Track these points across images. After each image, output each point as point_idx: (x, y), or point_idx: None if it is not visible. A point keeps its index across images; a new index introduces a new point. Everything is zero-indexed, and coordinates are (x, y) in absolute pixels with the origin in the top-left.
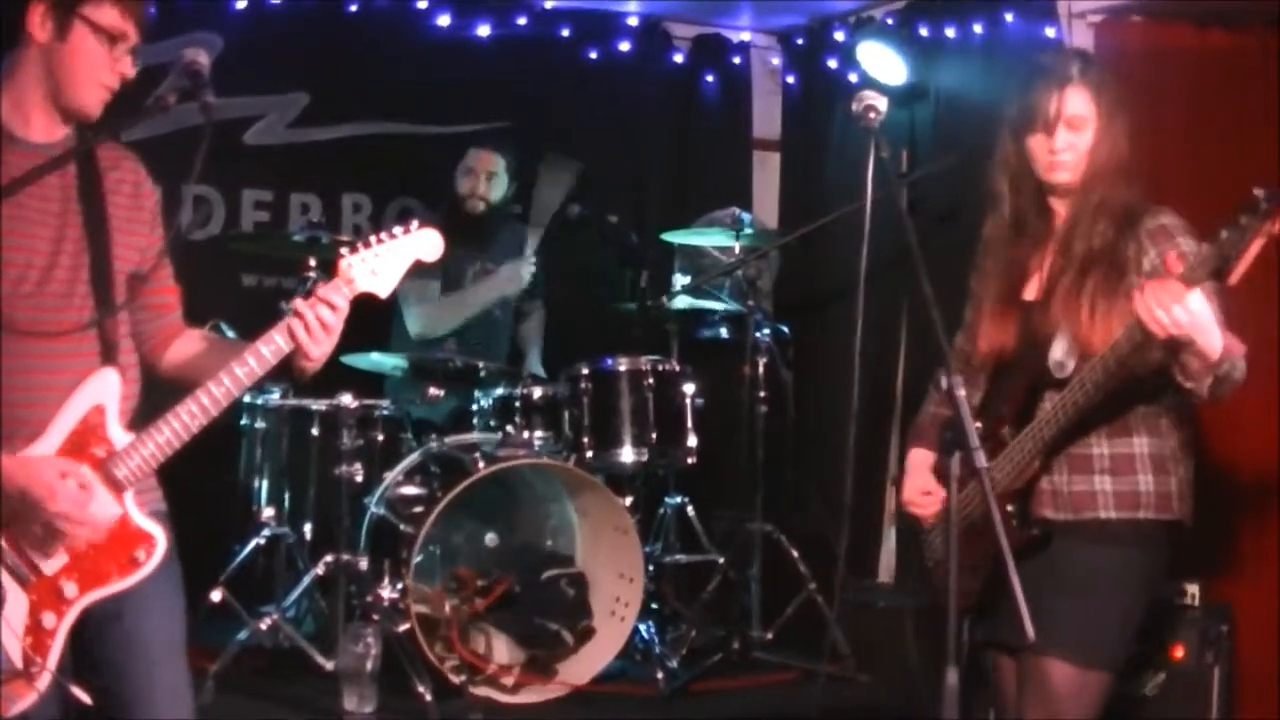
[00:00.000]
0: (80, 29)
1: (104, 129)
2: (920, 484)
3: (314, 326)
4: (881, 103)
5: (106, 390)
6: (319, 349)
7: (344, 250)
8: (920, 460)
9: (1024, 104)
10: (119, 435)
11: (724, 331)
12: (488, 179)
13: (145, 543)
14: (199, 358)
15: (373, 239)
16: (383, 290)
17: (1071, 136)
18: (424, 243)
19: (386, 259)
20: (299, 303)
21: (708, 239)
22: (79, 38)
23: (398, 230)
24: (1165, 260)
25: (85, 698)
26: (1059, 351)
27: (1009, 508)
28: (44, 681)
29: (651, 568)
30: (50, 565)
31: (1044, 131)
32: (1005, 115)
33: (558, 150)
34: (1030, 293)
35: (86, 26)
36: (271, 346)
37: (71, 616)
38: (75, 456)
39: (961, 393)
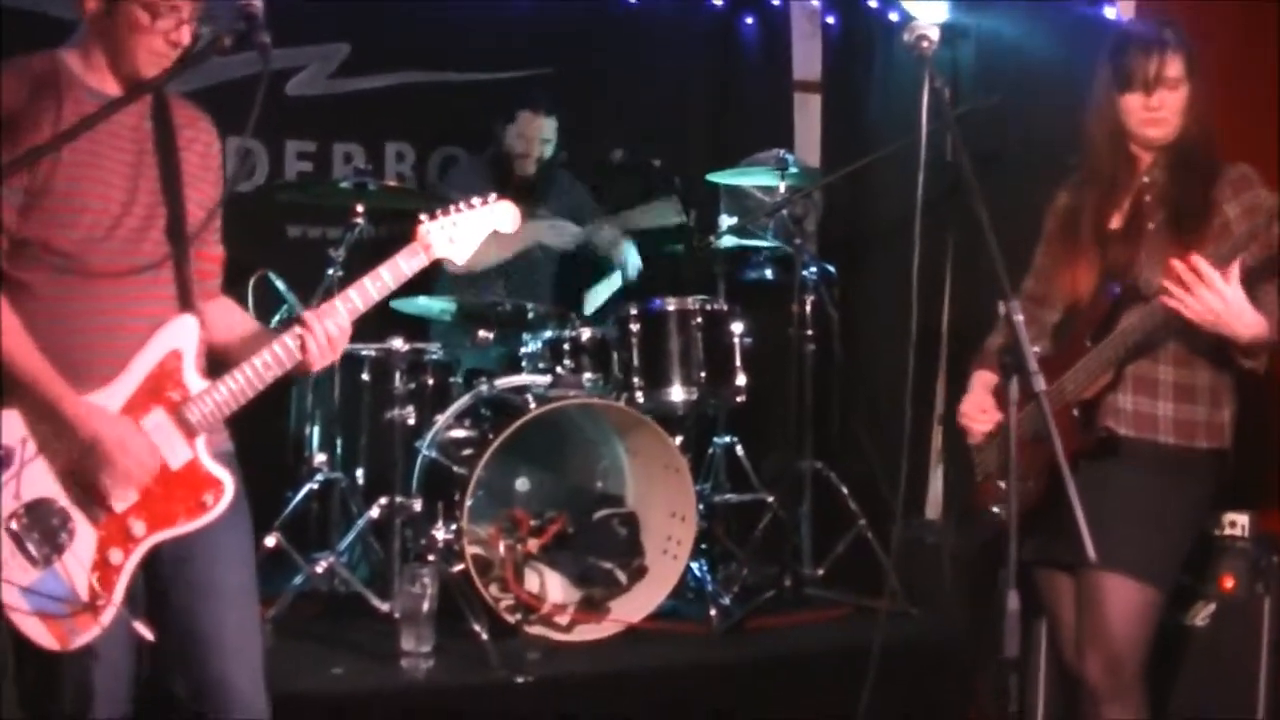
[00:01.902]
0: (125, 4)
1: (160, 77)
2: (979, 401)
3: (322, 343)
4: (934, 32)
5: (185, 336)
6: (323, 362)
7: (423, 216)
8: (984, 380)
9: (1121, 65)
10: (194, 381)
11: (769, 272)
12: (542, 142)
13: (213, 488)
14: (218, 330)
15: (451, 207)
16: (459, 257)
17: (1168, 96)
18: (502, 215)
19: (464, 227)
20: (308, 315)
21: (753, 179)
22: (125, 12)
23: (475, 201)
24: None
25: (148, 634)
26: (1148, 274)
27: (1075, 413)
28: (108, 615)
29: (702, 507)
30: (120, 503)
31: (1143, 91)
32: (1099, 73)
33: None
34: (1112, 224)
35: (132, 2)
36: (284, 349)
37: (138, 555)
38: (151, 399)
39: (1019, 318)
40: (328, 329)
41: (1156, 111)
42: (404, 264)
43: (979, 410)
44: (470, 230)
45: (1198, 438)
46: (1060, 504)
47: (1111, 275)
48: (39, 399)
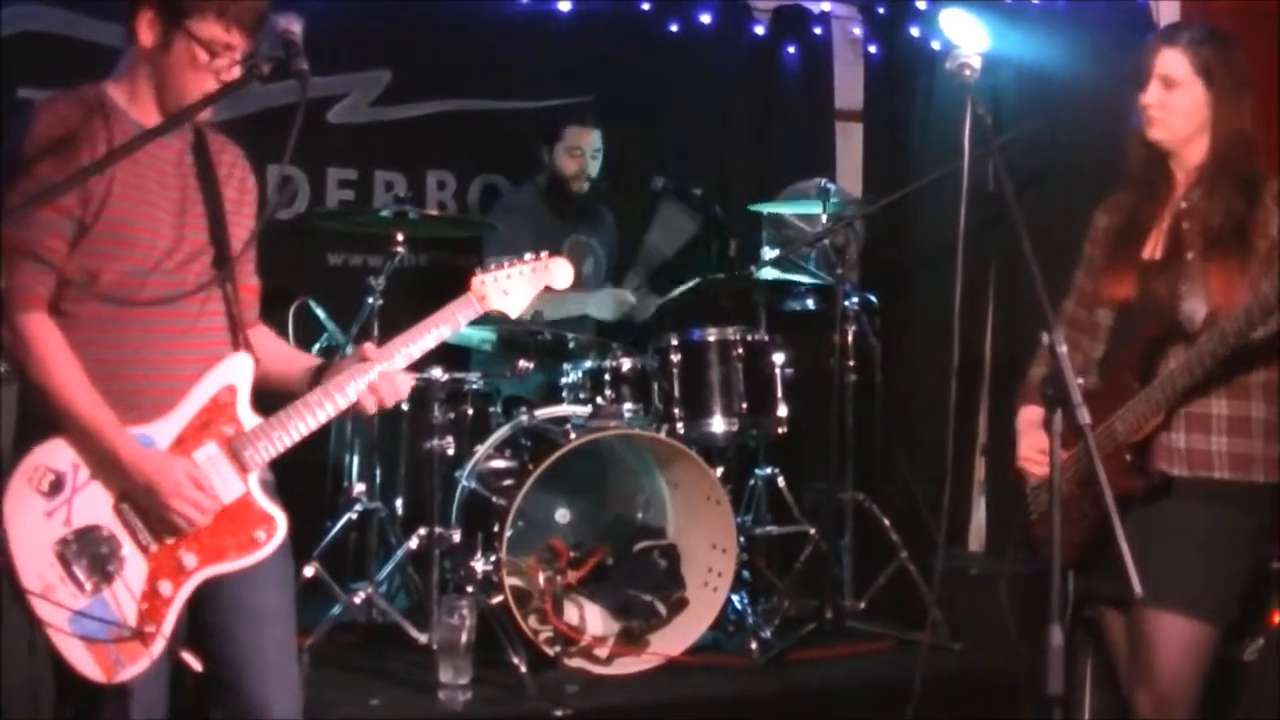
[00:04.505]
0: (184, 41)
1: (199, 104)
2: (1037, 441)
3: (387, 403)
4: (976, 60)
5: (240, 373)
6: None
7: (478, 269)
8: (1034, 417)
9: (1133, 61)
10: (248, 417)
11: (810, 303)
12: (592, 156)
13: (266, 524)
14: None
15: (505, 262)
16: (513, 311)
17: (1163, 94)
18: (556, 272)
19: (518, 281)
20: (379, 375)
21: (795, 209)
22: (182, 49)
23: (529, 256)
24: None
25: (197, 665)
26: (1189, 308)
27: (1128, 457)
28: (158, 647)
29: (743, 539)
30: (172, 536)
31: (1140, 86)
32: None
33: (675, 195)
34: (1148, 251)
35: (191, 40)
36: (344, 398)
37: (189, 587)
38: (204, 432)
39: (1063, 349)
40: (397, 389)
41: (1149, 109)
42: (460, 316)
43: (1038, 450)
44: (524, 285)
45: (1255, 472)
46: (1112, 540)
47: (1151, 309)
48: (94, 442)
